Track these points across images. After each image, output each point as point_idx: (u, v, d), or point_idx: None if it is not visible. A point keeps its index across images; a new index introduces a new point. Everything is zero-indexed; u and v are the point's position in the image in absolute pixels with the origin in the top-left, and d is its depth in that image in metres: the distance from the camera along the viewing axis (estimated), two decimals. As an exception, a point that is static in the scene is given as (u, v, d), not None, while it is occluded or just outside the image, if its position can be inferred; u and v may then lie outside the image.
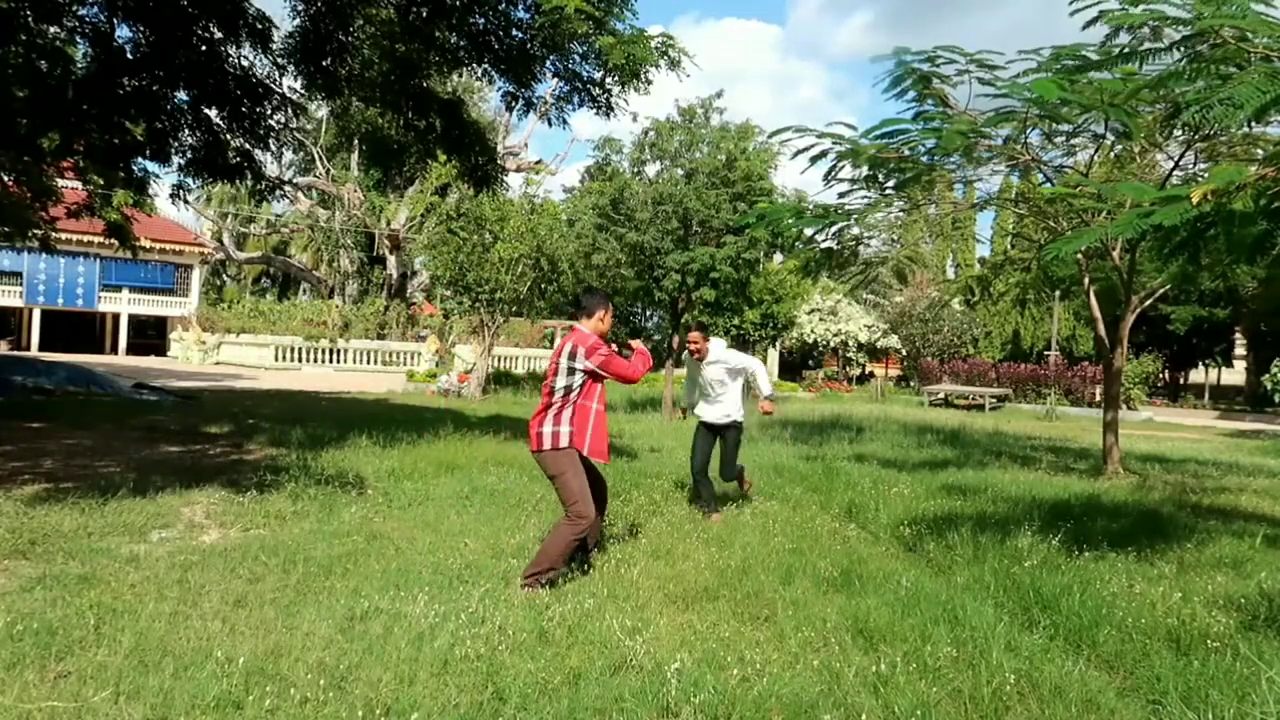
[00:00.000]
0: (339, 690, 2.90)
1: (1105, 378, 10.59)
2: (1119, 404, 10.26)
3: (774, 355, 35.49)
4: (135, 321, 36.19)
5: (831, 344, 36.64)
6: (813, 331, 35.60)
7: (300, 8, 8.56)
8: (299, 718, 2.71)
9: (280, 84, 9.33)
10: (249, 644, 3.26)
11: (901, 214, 9.85)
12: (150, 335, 37.08)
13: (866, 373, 39.34)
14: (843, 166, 6.86)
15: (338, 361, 29.33)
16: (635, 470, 7.85)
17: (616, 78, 8.46)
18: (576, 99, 9.22)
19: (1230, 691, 3.01)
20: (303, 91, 9.81)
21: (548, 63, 9.06)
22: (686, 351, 6.59)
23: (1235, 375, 35.93)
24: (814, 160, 6.84)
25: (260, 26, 8.48)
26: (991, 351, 37.44)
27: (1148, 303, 10.94)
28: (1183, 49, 4.57)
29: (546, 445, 4.41)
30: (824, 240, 8.82)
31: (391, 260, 34.03)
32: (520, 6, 8.75)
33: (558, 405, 4.43)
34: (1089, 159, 9.28)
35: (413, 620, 3.56)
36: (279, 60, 8.94)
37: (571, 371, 4.40)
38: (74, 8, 8.25)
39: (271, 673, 2.99)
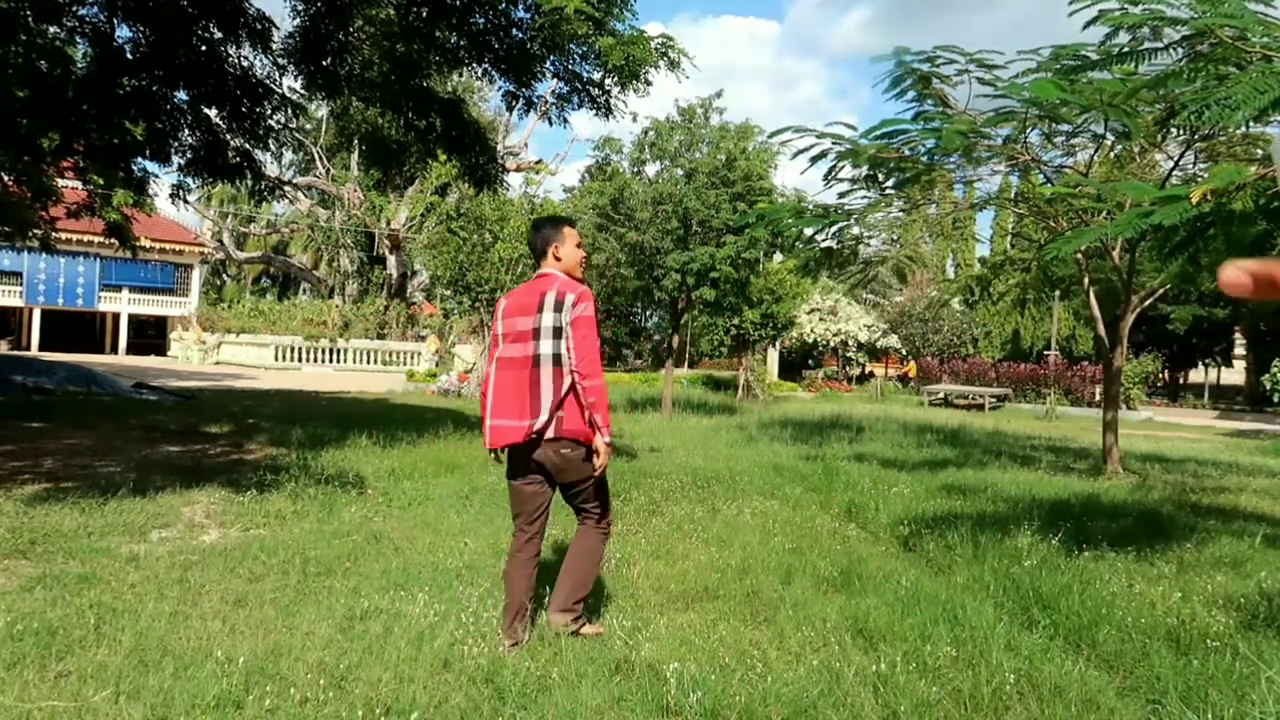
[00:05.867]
0: (339, 690, 2.90)
1: (1105, 377, 10.59)
2: (1119, 404, 10.26)
3: (774, 355, 35.48)
4: (135, 321, 36.19)
5: (831, 344, 36.61)
6: (812, 331, 35.56)
7: (300, 8, 8.56)
8: (299, 717, 2.71)
9: (280, 84, 9.33)
10: (249, 644, 3.26)
11: (901, 214, 9.85)
12: (150, 335, 37.08)
13: (866, 372, 39.30)
14: (843, 166, 6.87)
15: (338, 361, 29.32)
16: (635, 470, 7.85)
17: (616, 79, 8.47)
18: (576, 99, 9.23)
19: (1229, 691, 3.00)
20: (303, 91, 9.80)
21: (548, 63, 9.06)
22: None
23: (1235, 375, 35.91)
24: (814, 160, 6.84)
25: (260, 26, 8.48)
26: (991, 351, 37.41)
27: (1147, 303, 10.94)
28: (1182, 48, 4.57)
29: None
30: (824, 240, 8.83)
31: (391, 260, 34.00)
32: (520, 6, 8.75)
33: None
34: (1089, 159, 9.28)
35: (412, 620, 3.56)
36: (279, 60, 8.94)
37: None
38: (74, 8, 8.25)
39: (271, 672, 2.99)
